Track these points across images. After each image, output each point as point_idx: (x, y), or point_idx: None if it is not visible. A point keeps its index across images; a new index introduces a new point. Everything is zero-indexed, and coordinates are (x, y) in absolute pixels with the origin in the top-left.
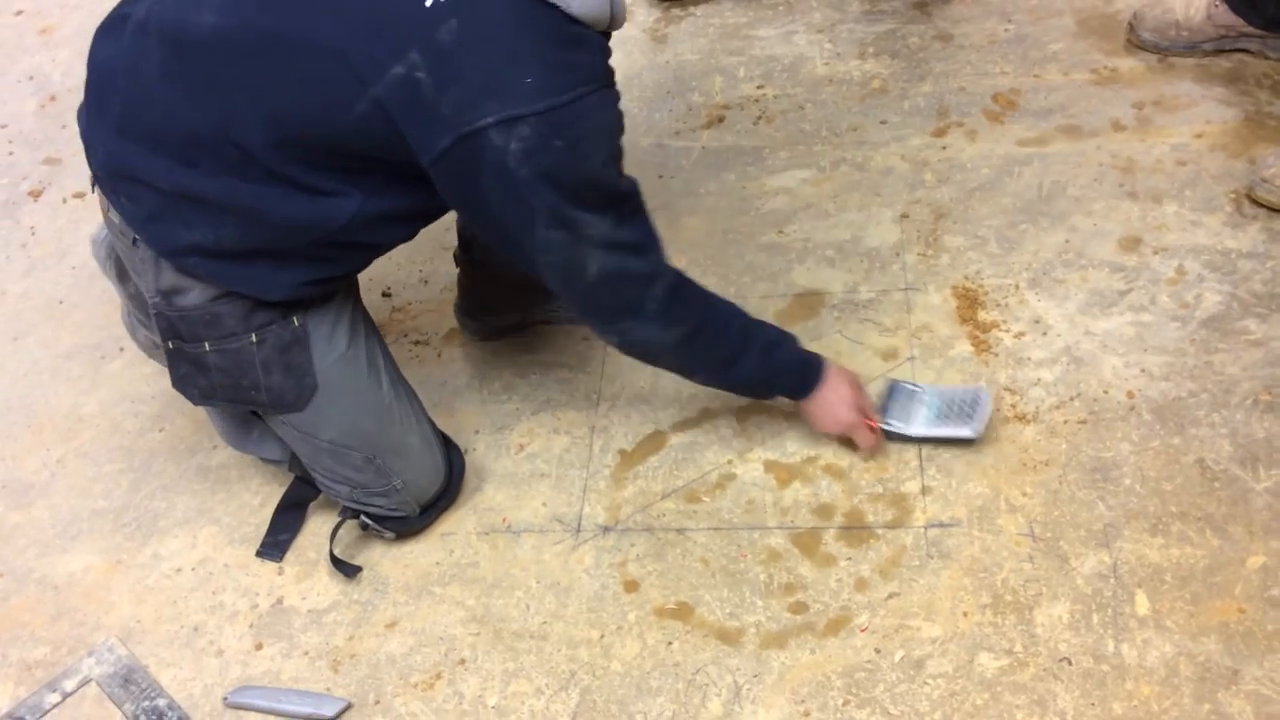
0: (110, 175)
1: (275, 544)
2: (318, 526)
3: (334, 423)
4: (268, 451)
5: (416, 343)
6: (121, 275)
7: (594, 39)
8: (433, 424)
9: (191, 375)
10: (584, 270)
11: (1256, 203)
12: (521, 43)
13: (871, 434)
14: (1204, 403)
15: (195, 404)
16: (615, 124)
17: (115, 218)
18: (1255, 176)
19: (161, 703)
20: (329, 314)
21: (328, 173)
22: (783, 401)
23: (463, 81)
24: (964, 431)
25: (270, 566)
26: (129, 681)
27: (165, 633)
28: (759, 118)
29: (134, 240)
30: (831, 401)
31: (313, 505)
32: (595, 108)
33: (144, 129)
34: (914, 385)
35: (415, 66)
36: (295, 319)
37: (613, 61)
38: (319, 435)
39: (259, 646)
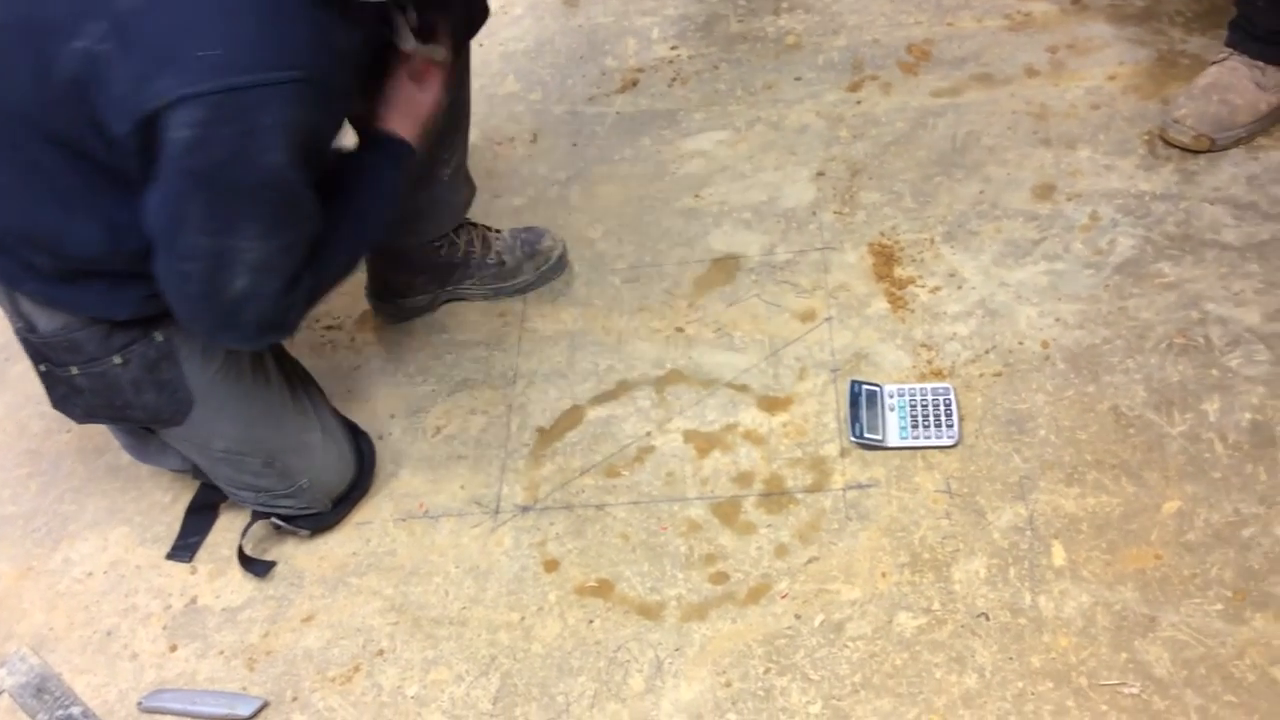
0: None
1: (186, 546)
2: (230, 523)
3: (224, 433)
4: (169, 462)
5: (329, 328)
6: None
7: (334, 20)
8: (337, 415)
9: (69, 396)
10: (227, 287)
11: (1169, 143)
12: (219, 8)
13: (440, 69)
14: (1118, 349)
15: (80, 423)
16: (311, 123)
17: None
18: (1167, 117)
19: (76, 711)
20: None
21: (97, 176)
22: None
23: (141, 51)
24: (944, 441)
25: (183, 566)
26: (42, 691)
27: (78, 639)
28: (673, 79)
29: None
30: (413, 108)
31: (225, 503)
32: (288, 100)
33: None
34: (873, 385)
35: (99, 38)
36: (158, 334)
37: (525, 26)
38: (211, 446)
39: (173, 648)
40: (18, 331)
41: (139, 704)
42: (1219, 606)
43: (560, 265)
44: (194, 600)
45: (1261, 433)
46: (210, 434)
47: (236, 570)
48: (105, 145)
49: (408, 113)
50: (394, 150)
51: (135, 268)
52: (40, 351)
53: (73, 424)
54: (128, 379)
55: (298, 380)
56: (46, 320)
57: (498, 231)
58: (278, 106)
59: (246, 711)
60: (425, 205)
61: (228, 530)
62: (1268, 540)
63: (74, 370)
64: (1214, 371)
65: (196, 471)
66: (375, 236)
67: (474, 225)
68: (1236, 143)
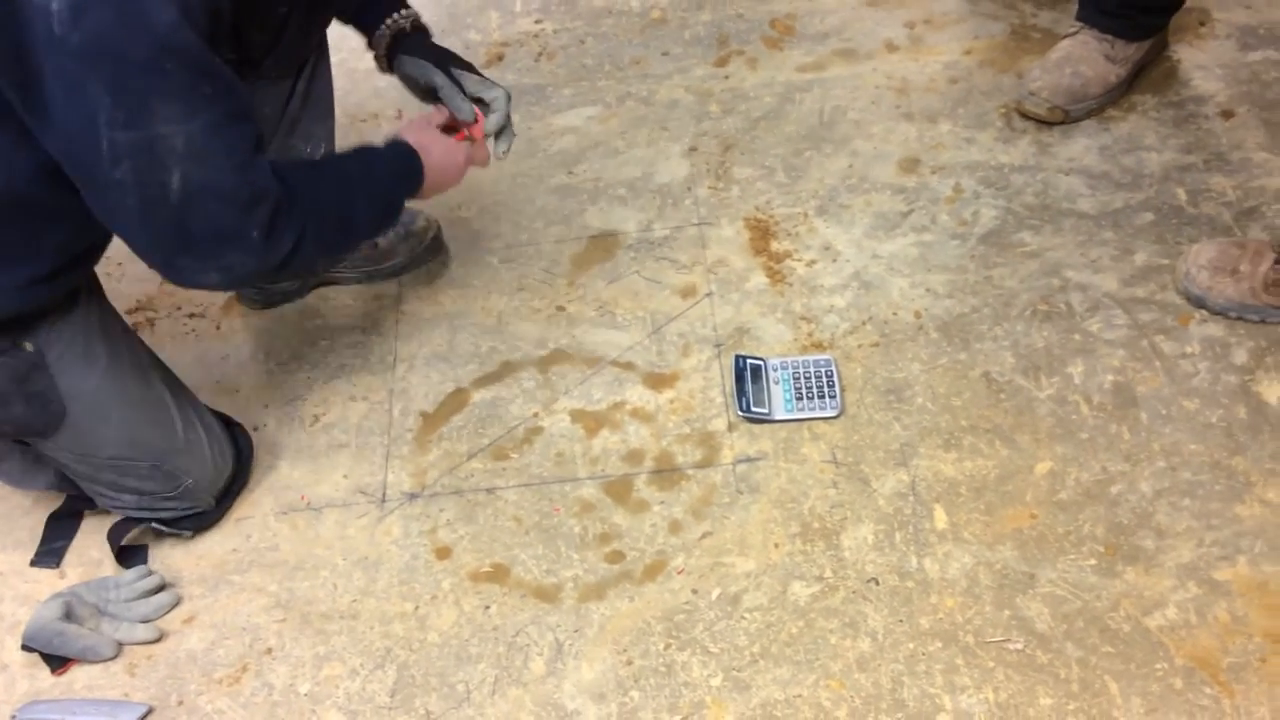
0: None
1: (51, 552)
2: (96, 525)
3: (112, 440)
4: (29, 484)
5: (191, 315)
6: None
7: None
8: (209, 410)
9: None
10: (166, 184)
11: (1025, 115)
12: None
13: (482, 147)
14: (986, 317)
15: None
16: None
17: None
18: (1023, 90)
19: None
20: (77, 329)
21: None
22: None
23: None
24: (827, 412)
25: (50, 571)
26: None
27: None
28: (540, 54)
29: None
30: (437, 156)
31: (93, 511)
32: None
33: None
34: (757, 360)
35: None
36: (28, 344)
37: None
38: (98, 454)
39: None
40: None
41: (12, 718)
42: (1093, 562)
43: (436, 246)
44: None
45: (1123, 393)
46: (97, 442)
47: (108, 571)
48: None
49: (435, 160)
50: (405, 152)
51: (22, 231)
52: None
53: None
54: None
55: (172, 377)
56: None
57: None
58: None
59: (130, 718)
60: None
61: (94, 533)
62: (1134, 496)
63: None
64: (1076, 336)
65: (63, 483)
66: (359, 208)
67: None
68: (1088, 114)
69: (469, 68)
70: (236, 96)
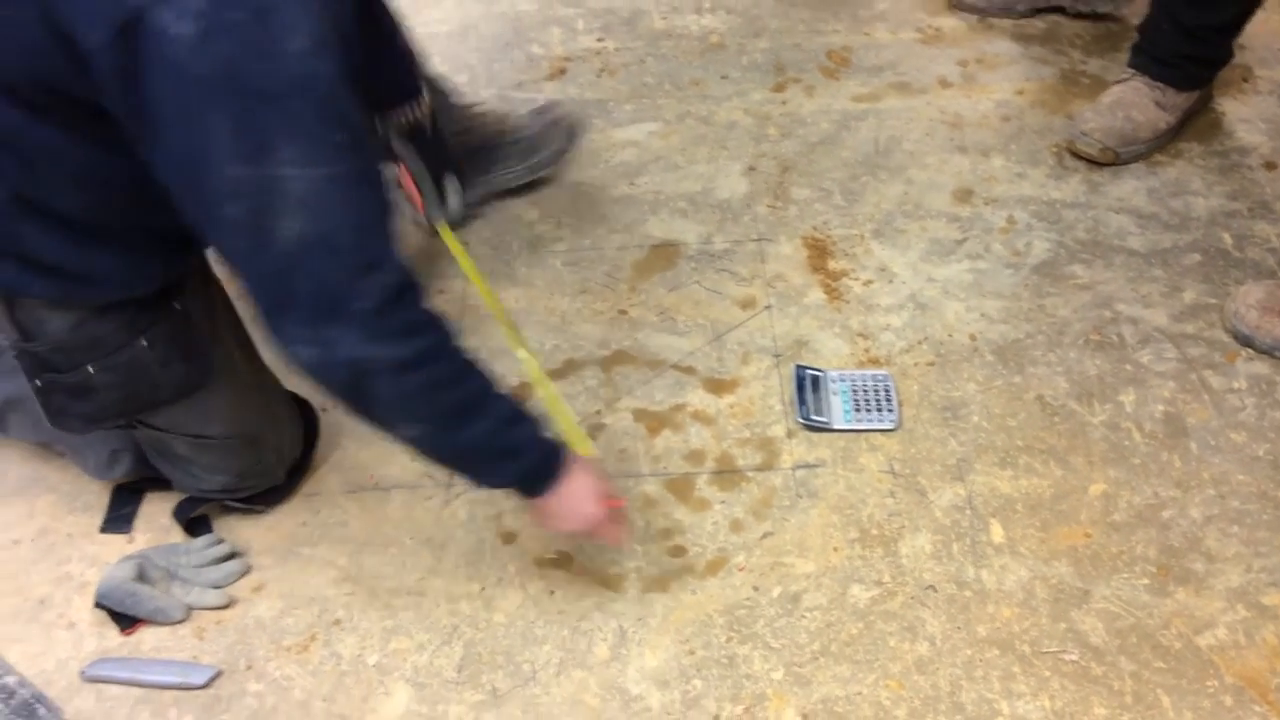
0: None
1: (120, 518)
2: (163, 491)
3: (221, 413)
4: (107, 475)
5: None
6: None
7: None
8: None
9: (69, 406)
10: (275, 230)
11: (1077, 155)
12: None
13: (620, 529)
14: (1040, 343)
15: (81, 434)
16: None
17: None
18: (1075, 130)
19: (10, 680)
20: (202, 293)
21: (68, 123)
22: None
23: None
24: (885, 424)
25: (119, 535)
26: None
27: (7, 607)
28: (601, 70)
29: None
30: (577, 495)
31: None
32: None
33: None
34: (817, 370)
35: None
36: (176, 303)
37: (447, 9)
38: (207, 432)
39: None
40: (14, 347)
41: (82, 673)
42: (1145, 581)
43: (573, 136)
44: None
45: (1173, 423)
46: (211, 417)
47: (177, 538)
48: (75, 68)
49: (568, 497)
50: (551, 453)
51: (139, 222)
52: (43, 361)
53: None
54: (154, 358)
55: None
56: (58, 322)
57: (506, 112)
58: None
59: (200, 680)
60: None
61: (164, 499)
62: (1185, 521)
63: (90, 370)
64: (1128, 366)
65: (144, 469)
66: (468, 422)
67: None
68: (1137, 158)
69: (459, 171)
70: (367, 157)
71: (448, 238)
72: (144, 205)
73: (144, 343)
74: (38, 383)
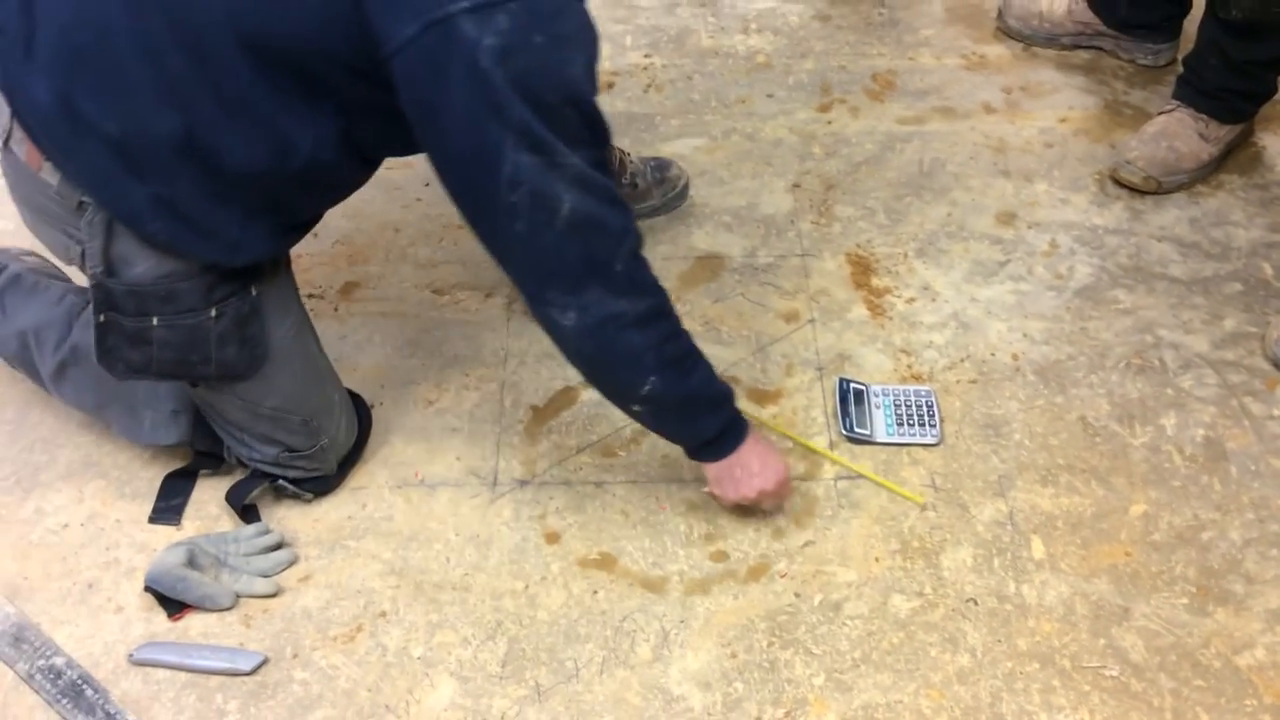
0: (42, 123)
1: (170, 508)
2: (213, 482)
3: (282, 389)
4: (164, 437)
5: (311, 295)
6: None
7: None
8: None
9: (120, 349)
10: (557, 209)
11: (1119, 183)
12: None
13: (786, 498)
14: (1082, 365)
15: (119, 379)
16: (593, 27)
17: (53, 177)
18: (1119, 159)
19: (59, 661)
20: (283, 283)
21: (283, 92)
22: (689, 466)
23: None
24: (928, 439)
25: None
26: (20, 640)
27: (56, 590)
28: (649, 86)
29: (79, 204)
30: (763, 458)
31: (205, 473)
32: (577, 11)
33: (78, 55)
34: (859, 384)
35: None
36: (254, 289)
37: None
38: (264, 403)
39: None
40: (93, 276)
41: (129, 657)
42: (1185, 600)
43: (684, 194)
44: None
45: (1214, 448)
46: (270, 390)
47: (226, 527)
48: (360, 50)
49: (748, 461)
50: (731, 419)
51: (277, 196)
52: (114, 299)
53: None
54: (216, 332)
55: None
56: (151, 266)
57: (628, 154)
58: (572, 15)
59: (248, 666)
60: None
61: (213, 489)
62: (1224, 543)
63: (154, 321)
64: (1169, 391)
65: (196, 437)
66: (670, 373)
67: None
68: (1179, 188)
69: None
70: (607, 148)
71: None
72: (303, 183)
73: (213, 314)
74: (101, 318)
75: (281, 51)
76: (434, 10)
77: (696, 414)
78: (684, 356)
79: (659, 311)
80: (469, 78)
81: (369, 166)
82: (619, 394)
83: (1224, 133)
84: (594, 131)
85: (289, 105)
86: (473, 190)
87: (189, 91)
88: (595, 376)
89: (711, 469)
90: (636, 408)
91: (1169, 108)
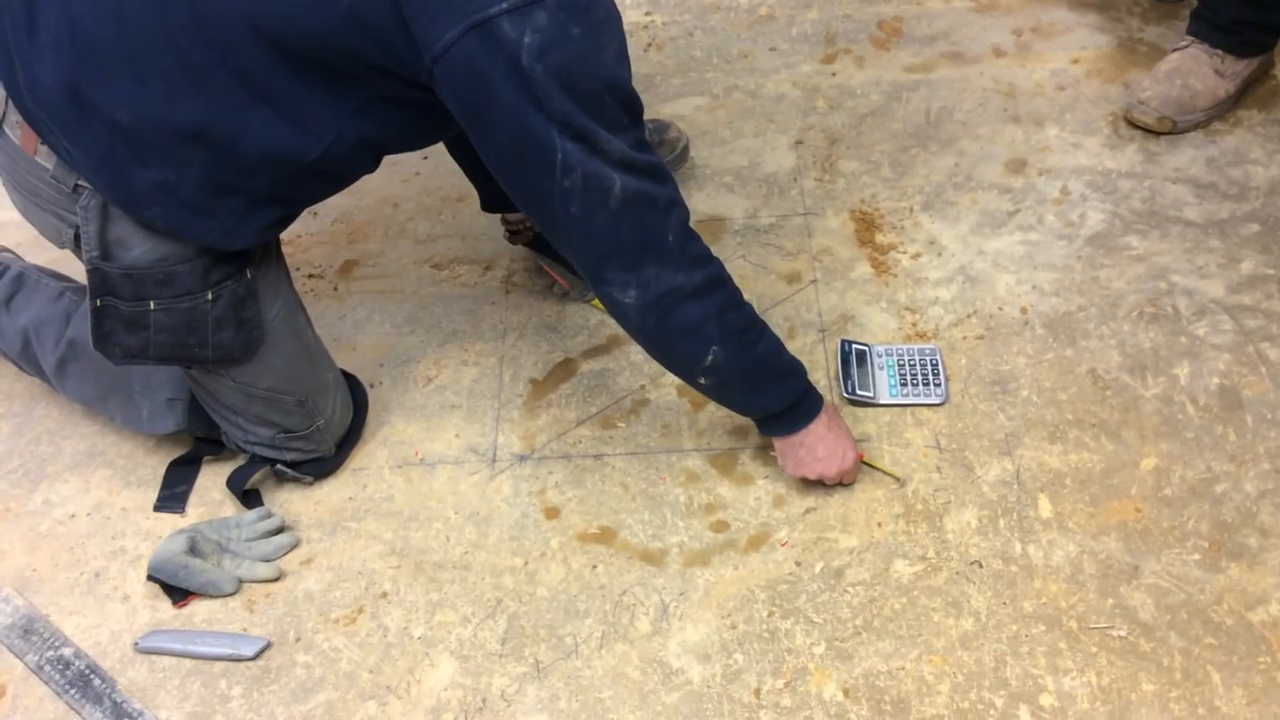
0: (45, 106)
1: (174, 496)
2: (216, 468)
3: (275, 370)
4: (161, 426)
5: (310, 276)
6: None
7: None
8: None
9: (117, 334)
10: (610, 189)
11: (1133, 124)
12: None
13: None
14: (1093, 316)
15: (116, 364)
16: (617, 10)
17: (48, 161)
18: (1132, 99)
19: (67, 651)
20: (275, 266)
21: (308, 85)
22: (756, 440)
23: None
24: (932, 399)
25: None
26: (29, 632)
27: (64, 580)
28: (649, 44)
29: (74, 187)
30: (836, 433)
31: (209, 458)
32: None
33: (90, 44)
34: (862, 345)
35: None
36: (249, 271)
37: None
38: (257, 384)
39: None
40: (89, 260)
41: (135, 645)
42: (1196, 556)
43: (684, 156)
44: None
45: (1229, 396)
46: (263, 372)
47: (229, 512)
48: (399, 52)
49: (818, 442)
50: (804, 393)
51: (286, 185)
52: (111, 283)
53: None
54: (213, 316)
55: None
56: (149, 249)
57: None
58: (601, 2)
59: (250, 651)
60: None
61: (216, 475)
62: (1239, 496)
63: (151, 305)
64: (1183, 339)
65: (193, 424)
66: (735, 344)
67: None
68: (1195, 126)
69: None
70: (644, 130)
71: (600, 308)
72: (315, 173)
73: (209, 297)
74: (98, 302)
75: (307, 49)
76: (475, 13)
77: (762, 385)
78: (747, 326)
79: (715, 281)
80: (512, 76)
81: (377, 158)
82: (685, 367)
83: (1241, 67)
84: (632, 113)
85: (312, 96)
86: (527, 181)
87: (211, 83)
88: (660, 352)
89: (777, 442)
90: (703, 380)
91: (1183, 44)
